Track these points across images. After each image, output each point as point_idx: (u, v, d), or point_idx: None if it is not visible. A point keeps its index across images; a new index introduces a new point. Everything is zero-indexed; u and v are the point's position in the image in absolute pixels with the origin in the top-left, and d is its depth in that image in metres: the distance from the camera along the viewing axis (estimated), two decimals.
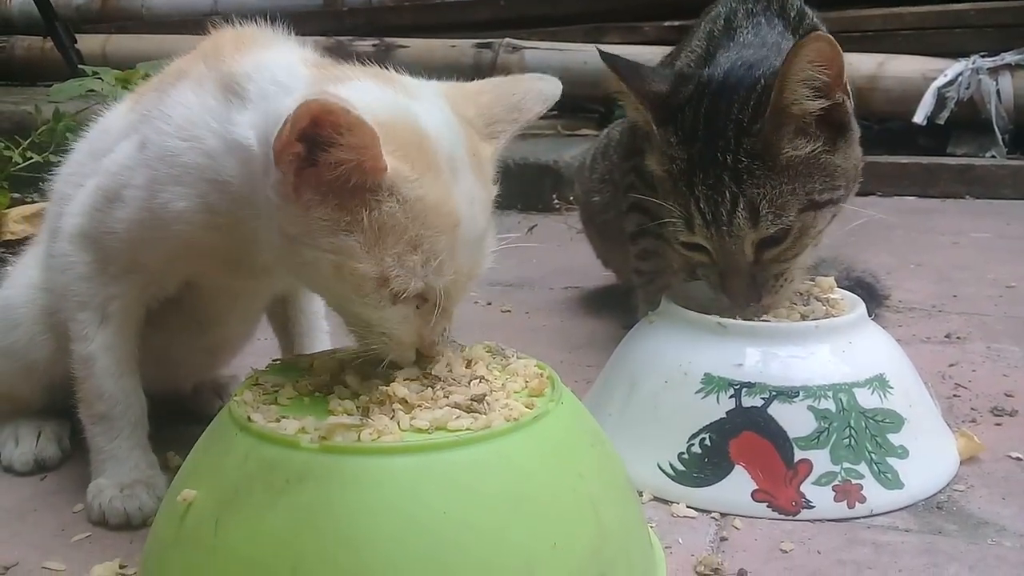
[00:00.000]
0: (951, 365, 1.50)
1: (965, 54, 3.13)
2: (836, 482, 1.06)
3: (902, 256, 2.20)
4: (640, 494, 1.07)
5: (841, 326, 1.14)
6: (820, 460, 1.06)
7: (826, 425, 1.07)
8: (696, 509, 1.06)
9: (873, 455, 1.07)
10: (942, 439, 1.17)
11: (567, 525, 0.78)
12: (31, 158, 2.24)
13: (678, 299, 1.23)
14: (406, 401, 0.82)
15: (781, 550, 0.99)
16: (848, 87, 1.15)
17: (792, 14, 1.36)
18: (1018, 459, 1.18)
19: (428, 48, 3.56)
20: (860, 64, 3.04)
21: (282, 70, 0.91)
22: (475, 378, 0.88)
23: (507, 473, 0.78)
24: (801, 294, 1.23)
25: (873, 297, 1.59)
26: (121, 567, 0.95)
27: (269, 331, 1.28)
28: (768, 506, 1.05)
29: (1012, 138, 3.10)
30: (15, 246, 2.03)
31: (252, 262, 0.97)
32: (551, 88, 0.96)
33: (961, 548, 0.99)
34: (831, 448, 1.06)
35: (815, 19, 1.38)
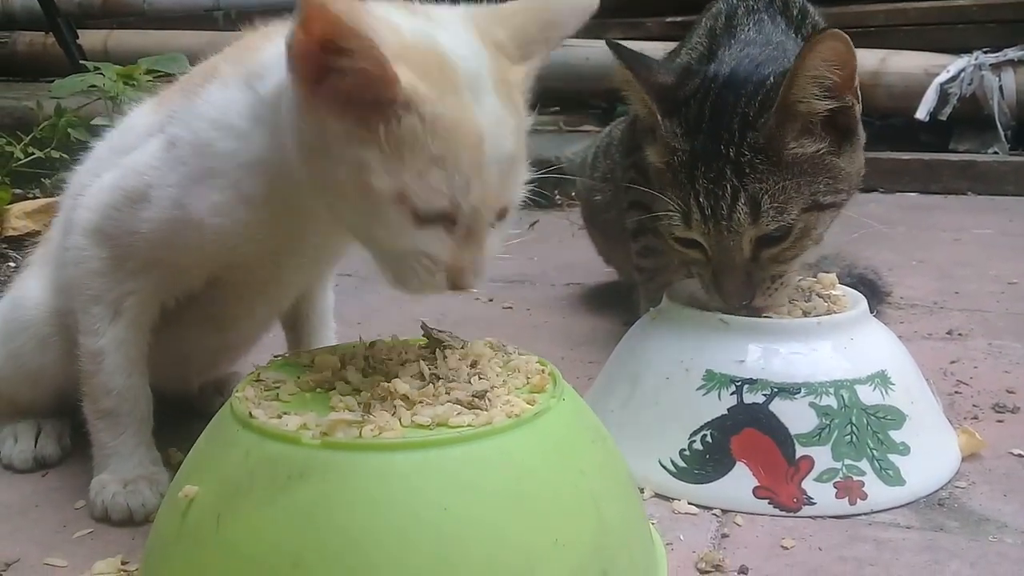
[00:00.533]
0: (953, 362, 1.50)
1: (968, 50, 3.13)
2: (837, 479, 1.06)
3: (904, 253, 2.20)
4: (641, 491, 1.07)
5: (843, 323, 1.14)
6: (821, 457, 1.06)
7: (828, 422, 1.07)
8: (697, 506, 1.06)
9: (875, 452, 1.07)
10: (943, 436, 1.17)
11: (568, 521, 0.78)
12: (33, 154, 2.24)
13: (680, 296, 1.23)
14: (407, 397, 0.82)
15: (782, 547, 0.99)
16: (858, 91, 1.14)
17: (794, 12, 1.36)
18: (1019, 456, 1.18)
19: None
20: (863, 60, 3.00)
21: None
22: (475, 374, 0.88)
23: (508, 469, 0.78)
24: (803, 290, 1.23)
25: (875, 294, 1.59)
26: (123, 563, 0.95)
27: (274, 326, 1.28)
28: (769, 503, 1.05)
29: (1014, 134, 3.10)
30: (17, 242, 2.04)
31: (288, 250, 0.97)
32: (587, 1, 0.95)
33: (962, 545, 0.99)
34: (832, 445, 1.06)
35: (818, 16, 1.38)
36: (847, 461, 1.06)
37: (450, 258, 0.85)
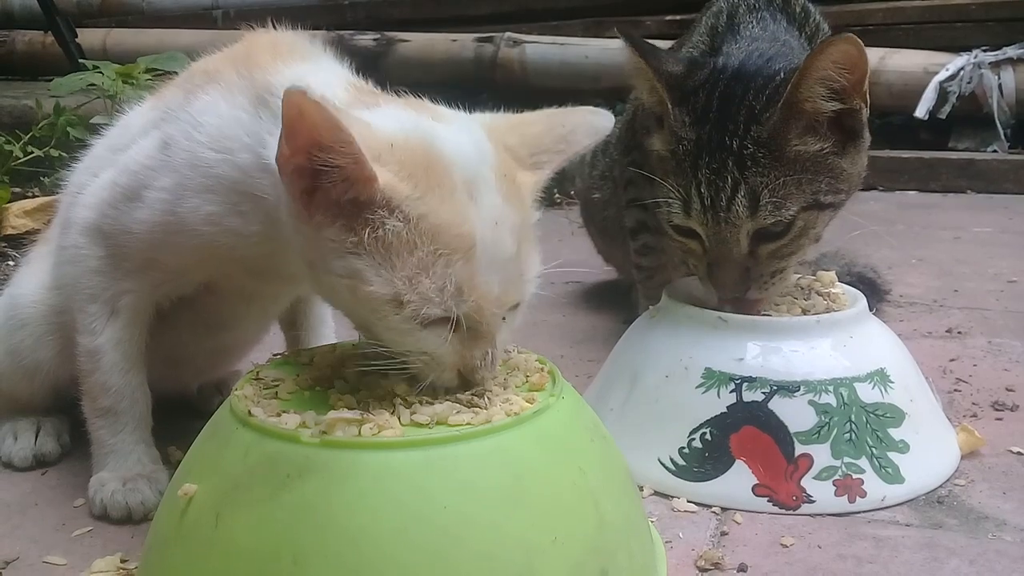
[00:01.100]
0: (952, 360, 1.50)
1: (967, 48, 3.13)
2: (837, 476, 1.06)
3: (903, 251, 2.20)
4: (641, 489, 1.07)
5: (842, 321, 1.14)
6: (821, 455, 1.06)
7: (827, 420, 1.07)
8: (697, 504, 1.07)
9: (874, 449, 1.07)
10: (943, 434, 1.17)
11: (568, 519, 0.78)
12: (32, 152, 2.24)
13: (679, 294, 1.23)
14: (406, 396, 0.82)
15: (782, 544, 0.99)
16: (867, 95, 1.14)
17: (797, 9, 1.36)
18: (1019, 454, 1.18)
19: (429, 42, 3.55)
20: None
21: (321, 87, 0.85)
22: None
23: (507, 467, 0.78)
24: (802, 288, 1.23)
25: (874, 292, 1.59)
26: (122, 561, 0.95)
27: (272, 326, 1.28)
28: (769, 501, 1.05)
29: (1014, 132, 3.10)
30: (16, 240, 2.04)
31: (279, 270, 0.96)
32: (603, 121, 0.93)
33: (961, 542, 0.99)
34: (832, 442, 1.06)
35: (819, 16, 1.38)
36: (846, 459, 1.06)
37: (457, 358, 0.82)
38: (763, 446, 1.07)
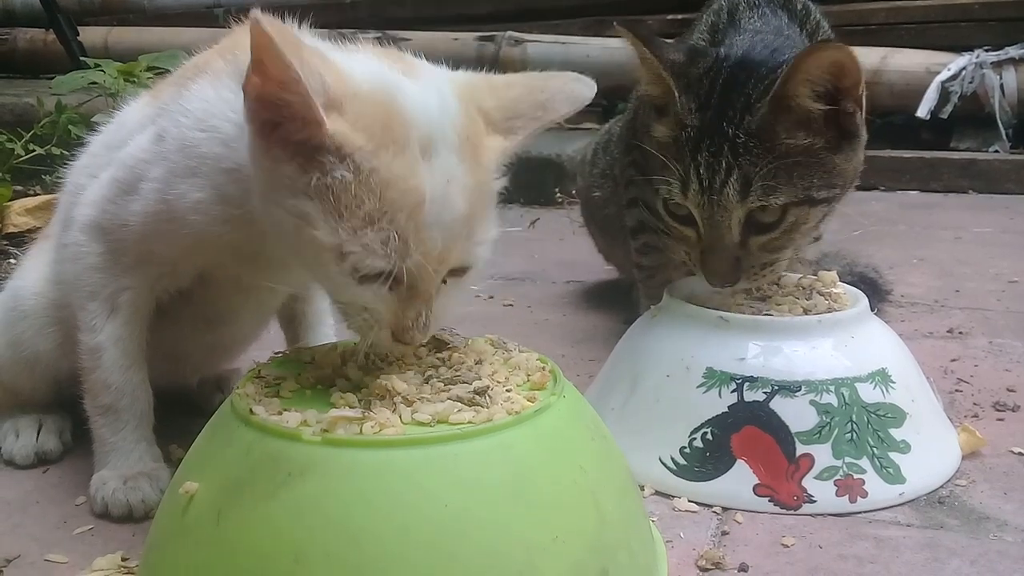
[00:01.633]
0: (953, 360, 1.50)
1: (969, 48, 3.12)
2: (838, 477, 1.06)
3: (905, 251, 2.20)
4: (642, 488, 1.07)
5: (843, 320, 1.14)
6: (822, 455, 1.06)
7: (828, 420, 1.07)
8: (698, 503, 1.06)
9: (875, 450, 1.07)
10: (944, 434, 1.17)
11: (568, 518, 0.79)
12: (33, 150, 2.24)
13: (680, 294, 1.23)
14: (407, 395, 0.82)
15: (783, 544, 0.99)
16: (863, 99, 1.15)
17: (798, 7, 1.37)
18: (1020, 454, 1.18)
19: (430, 41, 3.55)
20: (863, 58, 3.02)
21: None
22: (476, 371, 0.88)
23: (509, 466, 0.78)
24: (804, 288, 1.23)
25: (875, 292, 1.59)
26: (123, 559, 0.95)
27: (272, 324, 1.28)
28: (770, 500, 1.05)
29: (1015, 132, 3.09)
30: (18, 238, 2.04)
31: (266, 256, 0.97)
32: (583, 90, 0.93)
33: (962, 543, 0.99)
34: (833, 442, 1.06)
35: (819, 14, 1.39)
36: (847, 459, 1.06)
37: (392, 316, 0.84)
38: (764, 446, 1.07)
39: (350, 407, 0.81)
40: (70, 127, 2.22)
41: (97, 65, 2.27)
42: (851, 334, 1.13)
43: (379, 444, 0.76)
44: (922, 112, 3.04)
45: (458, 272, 0.87)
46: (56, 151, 2.15)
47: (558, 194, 2.83)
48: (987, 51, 3.09)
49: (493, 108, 0.89)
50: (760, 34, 1.28)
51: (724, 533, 1.01)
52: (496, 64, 3.46)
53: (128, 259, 1.03)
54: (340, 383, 0.86)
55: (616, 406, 1.16)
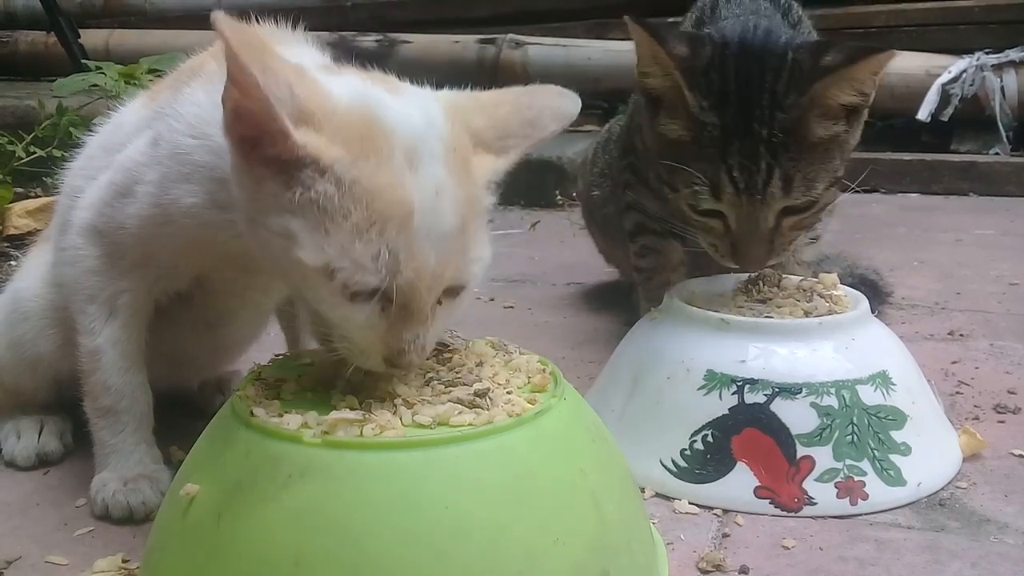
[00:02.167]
0: (954, 362, 1.50)
1: (969, 51, 3.12)
2: (838, 479, 1.06)
3: (905, 253, 2.20)
4: (642, 490, 1.07)
5: (844, 323, 1.14)
6: (822, 457, 1.06)
7: (829, 422, 1.07)
8: (698, 505, 1.06)
9: (876, 452, 1.07)
10: (945, 436, 1.17)
11: (569, 520, 0.78)
12: (34, 153, 2.24)
13: (681, 296, 1.23)
14: (408, 397, 0.82)
15: (783, 547, 0.99)
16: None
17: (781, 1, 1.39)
18: (1021, 456, 1.18)
19: (431, 43, 3.56)
20: None
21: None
22: (476, 373, 0.88)
23: (509, 468, 0.78)
24: (804, 291, 1.23)
25: (876, 294, 1.59)
26: (124, 561, 0.95)
27: (273, 326, 1.28)
28: (770, 503, 1.05)
29: (1016, 135, 3.10)
30: (18, 240, 2.04)
31: (258, 261, 0.97)
32: (569, 105, 0.92)
33: (963, 545, 0.98)
34: (834, 445, 1.06)
35: (801, 11, 1.41)
36: (848, 461, 1.06)
37: (384, 340, 0.80)
38: (765, 448, 1.07)
39: (351, 409, 0.81)
40: (71, 129, 2.22)
41: (98, 67, 2.28)
42: (852, 336, 1.13)
43: (380, 446, 0.76)
44: (922, 115, 3.04)
45: (452, 292, 0.84)
46: (57, 153, 2.15)
47: (559, 196, 2.83)
48: (987, 54, 3.09)
49: (484, 128, 0.88)
50: (745, 14, 1.29)
51: (725, 535, 1.01)
52: (497, 67, 3.47)
53: (126, 262, 1.03)
54: (340, 385, 0.86)
55: (617, 408, 1.16)
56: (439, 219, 0.79)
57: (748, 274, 1.25)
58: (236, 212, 0.89)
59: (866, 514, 1.05)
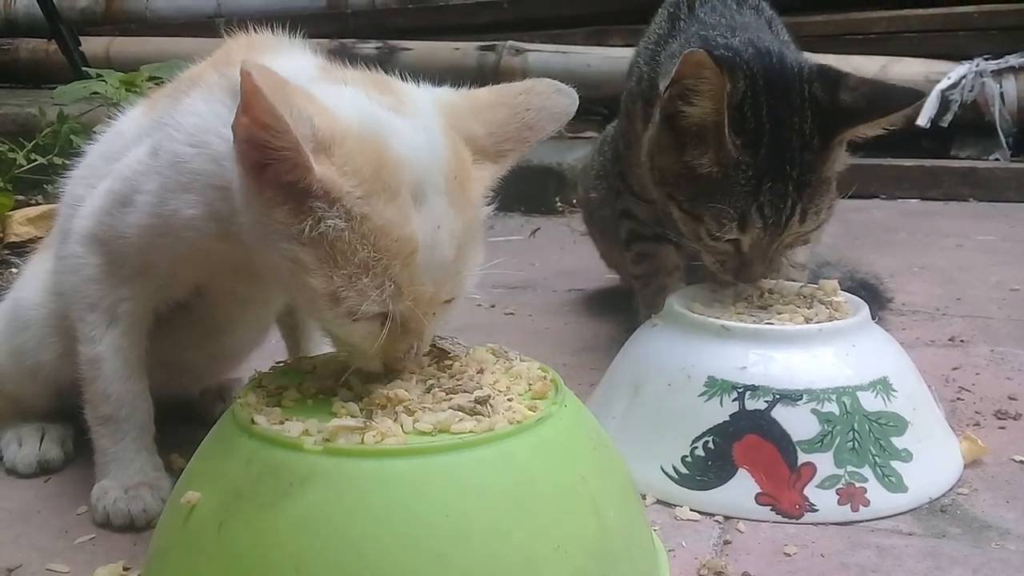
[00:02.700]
0: (955, 368, 1.49)
1: (969, 57, 3.13)
2: (840, 485, 1.06)
3: (905, 259, 2.20)
4: (643, 497, 1.07)
5: (845, 329, 1.14)
6: (824, 463, 1.06)
7: (830, 428, 1.07)
8: (700, 512, 1.06)
9: (877, 458, 1.07)
10: (946, 442, 1.17)
11: (570, 527, 0.79)
12: (35, 160, 2.24)
13: (681, 302, 1.23)
14: (409, 405, 0.83)
15: (785, 553, 0.99)
16: None
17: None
18: (1022, 462, 1.18)
19: (431, 50, 3.56)
20: (864, 67, 3.03)
21: (294, 73, 0.88)
22: (474, 378, 0.88)
23: (510, 475, 0.78)
24: (805, 297, 1.24)
25: (876, 300, 1.59)
26: (125, 569, 0.95)
27: (274, 333, 1.28)
28: (772, 509, 1.05)
29: (1016, 141, 3.09)
30: (19, 248, 2.04)
31: (259, 271, 0.97)
32: (566, 103, 0.93)
33: (965, 551, 0.98)
34: (835, 451, 1.06)
35: (774, 13, 1.43)
36: (849, 468, 1.06)
37: (384, 350, 0.85)
38: (766, 455, 1.07)
39: (352, 416, 0.81)
40: (72, 137, 2.22)
41: (99, 75, 2.28)
42: (852, 343, 1.13)
43: (381, 453, 0.76)
44: (922, 120, 3.04)
45: (446, 303, 0.88)
46: (58, 161, 2.16)
47: (559, 203, 2.83)
48: (987, 60, 3.09)
49: (482, 135, 0.89)
50: (738, 31, 1.29)
51: (726, 542, 1.01)
52: (496, 73, 3.47)
53: (126, 270, 1.03)
54: (341, 393, 0.86)
55: (617, 415, 1.16)
56: (438, 252, 0.83)
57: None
58: (239, 224, 0.89)
59: (867, 520, 1.05)
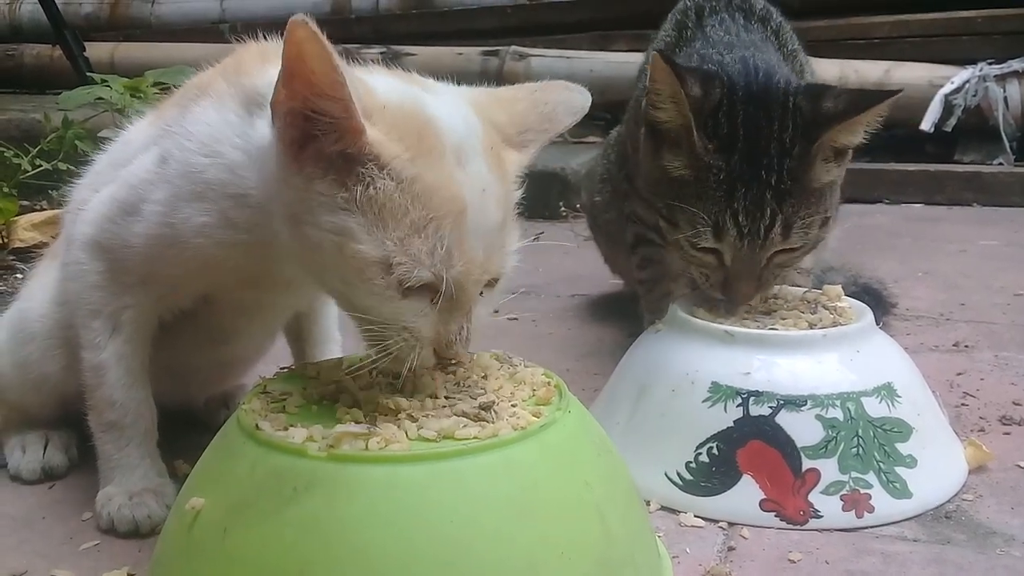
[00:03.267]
0: (959, 374, 1.49)
1: (972, 61, 3.13)
2: (844, 491, 1.05)
3: (909, 264, 2.19)
4: (648, 503, 1.07)
5: (849, 335, 1.14)
6: (828, 469, 1.06)
7: (834, 434, 1.06)
8: (704, 518, 1.06)
9: (881, 464, 1.07)
10: (950, 448, 1.17)
11: (574, 533, 0.78)
12: (40, 166, 2.25)
13: (685, 308, 1.23)
14: (412, 413, 0.83)
15: (789, 560, 0.99)
16: None
17: (758, 8, 1.40)
18: None
19: (435, 56, 3.57)
20: (867, 71, 3.05)
21: None
22: (478, 384, 0.88)
23: (514, 482, 0.78)
24: (809, 302, 1.24)
25: (880, 305, 1.59)
26: (129, 575, 0.95)
27: (279, 338, 1.28)
28: (776, 515, 1.05)
29: (1020, 145, 3.09)
30: (24, 253, 2.05)
31: (271, 279, 0.97)
32: (581, 99, 0.95)
33: (970, 558, 0.98)
34: (839, 457, 1.06)
35: (781, 17, 1.43)
36: (854, 474, 1.06)
37: (434, 332, 0.83)
38: (770, 461, 1.06)
39: (356, 422, 0.81)
40: (76, 142, 2.22)
41: (103, 80, 2.28)
42: (856, 348, 1.13)
43: (385, 460, 0.76)
44: (926, 125, 3.04)
45: (490, 283, 0.87)
46: (62, 166, 2.16)
47: (562, 208, 2.83)
48: (990, 64, 3.09)
49: (506, 123, 0.91)
50: (736, 48, 1.29)
51: (730, 548, 1.01)
52: (500, 78, 3.48)
53: (130, 278, 1.03)
54: (345, 398, 0.87)
55: (621, 421, 1.16)
56: (486, 216, 0.83)
57: None
58: (254, 226, 0.90)
59: (872, 527, 1.04)
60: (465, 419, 0.81)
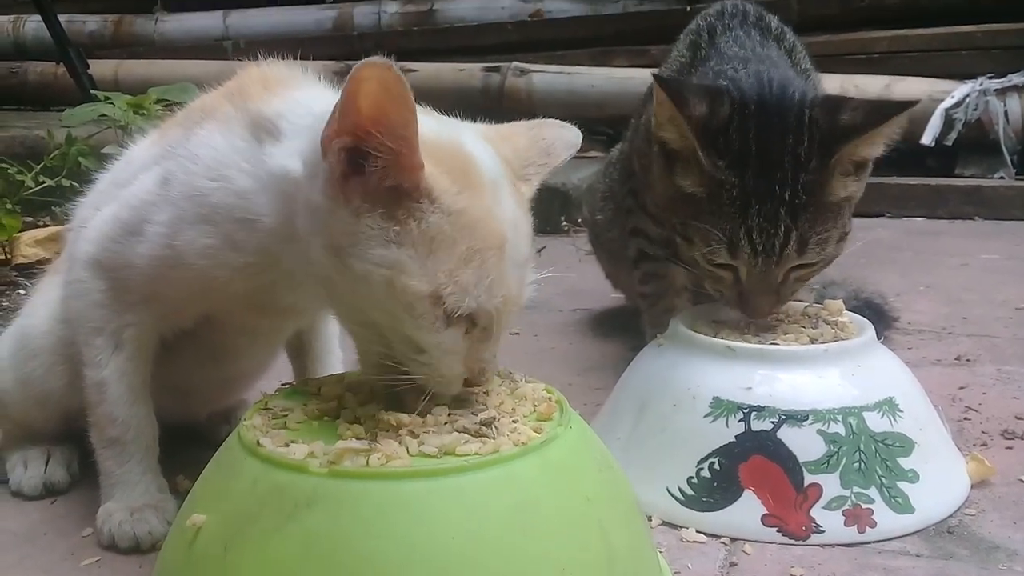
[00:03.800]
0: (961, 388, 1.49)
1: (972, 76, 3.13)
2: (846, 506, 1.05)
3: (911, 278, 2.19)
4: (649, 519, 1.06)
5: (850, 349, 1.14)
6: (830, 484, 1.06)
7: (836, 449, 1.06)
8: (706, 534, 1.06)
9: (883, 479, 1.07)
10: (953, 463, 1.17)
11: (576, 550, 0.78)
12: (43, 182, 2.26)
13: (687, 322, 1.23)
14: (413, 429, 0.83)
15: (791, 575, 0.98)
16: None
17: (772, 25, 1.41)
18: None
19: (436, 72, 3.58)
20: (867, 86, 3.05)
21: (318, 103, 0.91)
22: (479, 400, 0.88)
23: (515, 497, 0.78)
24: (810, 317, 1.24)
25: (882, 319, 1.59)
26: None
27: (280, 354, 1.28)
28: (778, 531, 1.05)
29: (1020, 159, 3.10)
30: (27, 269, 2.05)
31: (275, 303, 0.97)
32: (574, 136, 0.99)
33: (972, 573, 0.98)
34: (841, 472, 1.06)
35: (793, 36, 1.43)
36: (856, 488, 1.06)
37: (467, 359, 0.85)
38: (772, 476, 1.06)
39: (357, 439, 0.81)
40: (80, 159, 2.23)
41: (107, 98, 2.29)
42: (858, 363, 1.13)
43: (386, 476, 0.76)
44: (926, 139, 3.04)
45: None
46: (66, 183, 2.17)
47: (564, 222, 2.83)
48: (990, 78, 3.10)
49: (512, 157, 0.93)
50: (750, 62, 1.29)
51: (732, 564, 1.01)
52: (502, 94, 3.49)
53: (132, 297, 1.03)
54: (346, 414, 0.87)
55: (623, 436, 1.16)
56: (520, 249, 0.86)
57: None
58: (259, 249, 0.92)
59: (874, 542, 1.04)
60: (466, 435, 0.81)
